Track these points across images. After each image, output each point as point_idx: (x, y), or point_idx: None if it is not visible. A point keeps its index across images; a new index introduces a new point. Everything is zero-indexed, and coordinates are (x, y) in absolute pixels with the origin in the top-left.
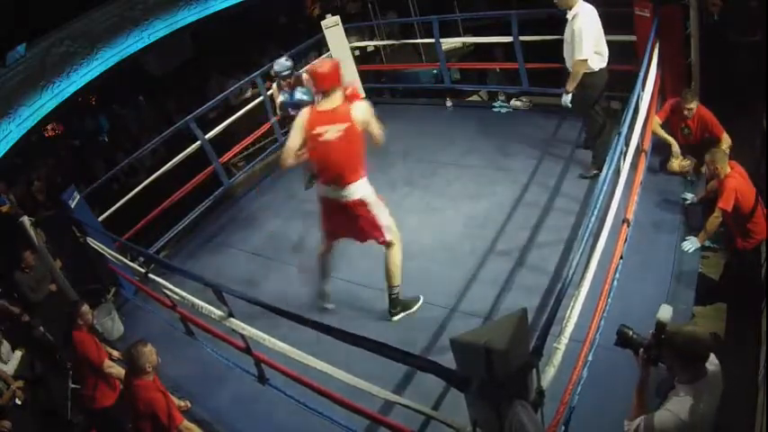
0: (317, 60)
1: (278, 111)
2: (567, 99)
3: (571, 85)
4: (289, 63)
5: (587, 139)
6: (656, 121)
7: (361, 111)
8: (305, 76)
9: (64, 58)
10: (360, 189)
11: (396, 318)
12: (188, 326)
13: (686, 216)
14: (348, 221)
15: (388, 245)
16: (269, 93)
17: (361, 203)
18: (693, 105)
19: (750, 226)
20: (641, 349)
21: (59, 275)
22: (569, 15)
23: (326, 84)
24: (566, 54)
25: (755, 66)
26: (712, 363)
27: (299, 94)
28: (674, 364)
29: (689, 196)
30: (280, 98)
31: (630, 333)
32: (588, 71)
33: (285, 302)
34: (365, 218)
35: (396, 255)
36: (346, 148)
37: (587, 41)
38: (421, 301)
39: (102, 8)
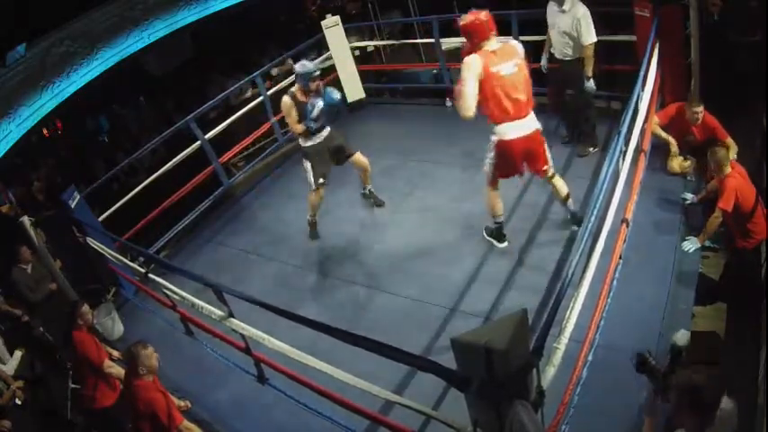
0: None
1: (302, 125)
2: (592, 84)
3: (590, 69)
4: (312, 65)
5: (579, 124)
6: (655, 120)
7: (521, 47)
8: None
9: (64, 58)
10: (535, 120)
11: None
12: (188, 326)
13: (686, 216)
14: (530, 154)
15: (552, 176)
16: (269, 92)
17: (539, 132)
18: (700, 109)
19: (750, 226)
20: (656, 378)
21: (59, 275)
22: (566, 6)
23: (490, 28)
24: (560, 45)
25: (755, 66)
26: (725, 404)
27: (335, 94)
28: (680, 411)
29: (689, 196)
30: (317, 104)
31: (649, 358)
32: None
33: (285, 302)
34: (542, 144)
35: (559, 179)
36: (525, 79)
37: (592, 25)
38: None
39: (102, 8)
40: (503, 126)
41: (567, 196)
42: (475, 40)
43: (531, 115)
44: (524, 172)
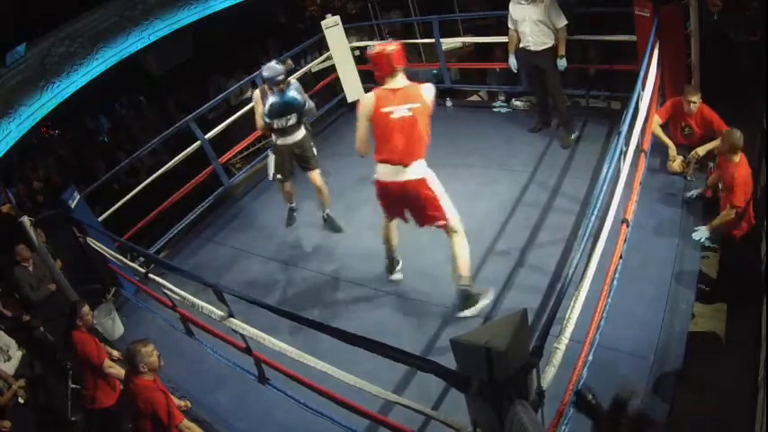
0: (375, 44)
1: (262, 120)
2: (563, 63)
3: (563, 48)
4: (281, 67)
5: (548, 112)
6: (657, 120)
7: (430, 92)
8: (294, 82)
9: (64, 58)
10: (423, 167)
11: (468, 312)
12: (188, 326)
13: (687, 210)
14: (410, 203)
15: (450, 230)
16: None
17: (424, 182)
18: (696, 98)
19: (745, 215)
20: (595, 418)
21: (59, 275)
22: None
23: (400, 61)
24: (535, 35)
25: (755, 66)
26: None
27: (294, 92)
28: None
29: (691, 192)
30: (269, 100)
31: (590, 397)
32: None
33: (285, 302)
34: (429, 198)
35: (461, 241)
36: (416, 126)
37: (559, 8)
38: (491, 294)
39: (102, 8)
40: (381, 167)
41: (460, 267)
42: (377, 74)
43: (416, 165)
44: (408, 220)
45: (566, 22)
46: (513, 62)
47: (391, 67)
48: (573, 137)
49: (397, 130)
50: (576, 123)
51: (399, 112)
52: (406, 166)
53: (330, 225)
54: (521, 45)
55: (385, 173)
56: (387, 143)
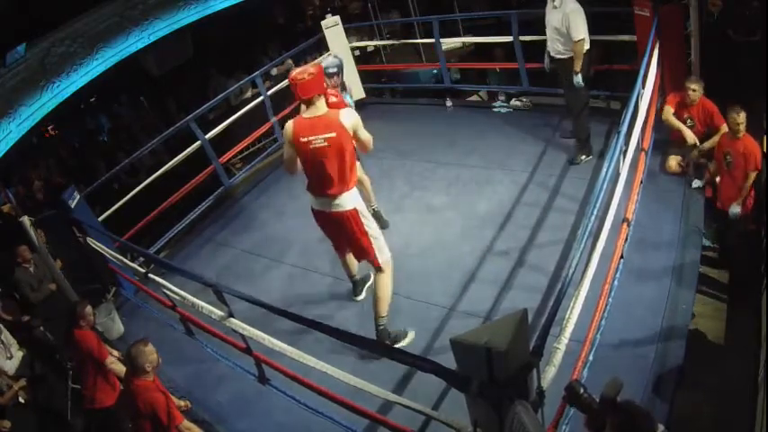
0: (296, 69)
1: None
2: (579, 79)
3: (578, 65)
4: (338, 60)
5: (573, 126)
6: (668, 110)
7: (349, 117)
8: (350, 100)
9: (64, 58)
10: (350, 200)
11: None
12: (188, 326)
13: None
14: (341, 235)
15: (378, 269)
16: (269, 92)
17: (352, 216)
18: (696, 86)
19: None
20: (587, 412)
21: (59, 275)
22: (557, 3)
23: (310, 91)
24: (552, 41)
25: (755, 66)
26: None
27: (349, 99)
28: None
29: (696, 182)
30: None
31: (581, 391)
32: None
33: (285, 302)
34: (356, 232)
35: (385, 281)
36: (336, 156)
37: (582, 22)
38: (412, 335)
39: (102, 8)
40: (313, 196)
41: (380, 306)
42: (296, 98)
43: (343, 196)
44: (345, 252)
45: (583, 36)
46: (546, 63)
47: (308, 92)
48: (583, 158)
49: (316, 161)
50: (591, 147)
51: (316, 142)
52: (331, 197)
53: (377, 219)
54: (547, 49)
55: (315, 201)
56: (309, 172)
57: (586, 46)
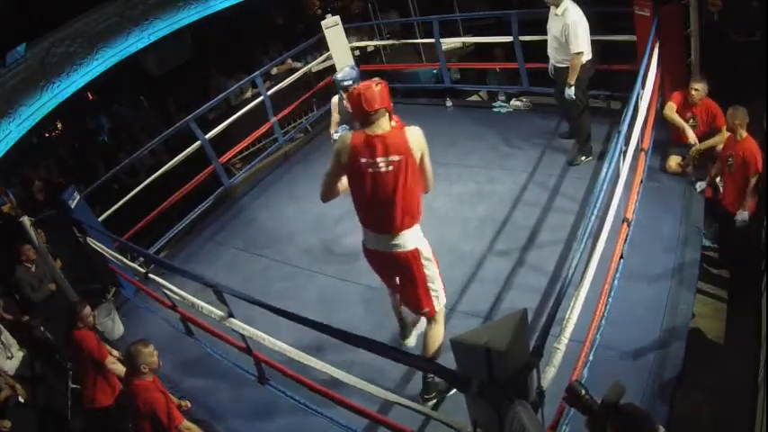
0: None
1: (332, 141)
2: (570, 92)
3: (573, 78)
4: (354, 72)
5: (572, 130)
6: (671, 106)
7: (417, 138)
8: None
9: (64, 58)
10: (412, 238)
11: (429, 404)
12: (188, 326)
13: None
14: (397, 277)
15: (431, 318)
16: (269, 92)
17: (412, 257)
18: (699, 86)
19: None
20: (587, 413)
21: (59, 275)
22: (558, 11)
23: (375, 104)
24: (552, 49)
25: (755, 66)
26: None
27: None
28: None
29: (699, 184)
30: (337, 130)
31: (582, 393)
32: (563, 64)
33: (285, 302)
34: (415, 278)
35: (439, 333)
36: (400, 184)
37: (583, 34)
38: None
39: (102, 8)
40: (365, 230)
41: (433, 357)
42: (354, 116)
43: (404, 233)
44: (399, 291)
45: (581, 50)
46: (550, 67)
47: (369, 108)
48: (583, 159)
49: (375, 190)
50: (591, 148)
51: (377, 166)
52: (390, 234)
53: None
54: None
55: (368, 238)
56: (365, 204)
57: (586, 58)
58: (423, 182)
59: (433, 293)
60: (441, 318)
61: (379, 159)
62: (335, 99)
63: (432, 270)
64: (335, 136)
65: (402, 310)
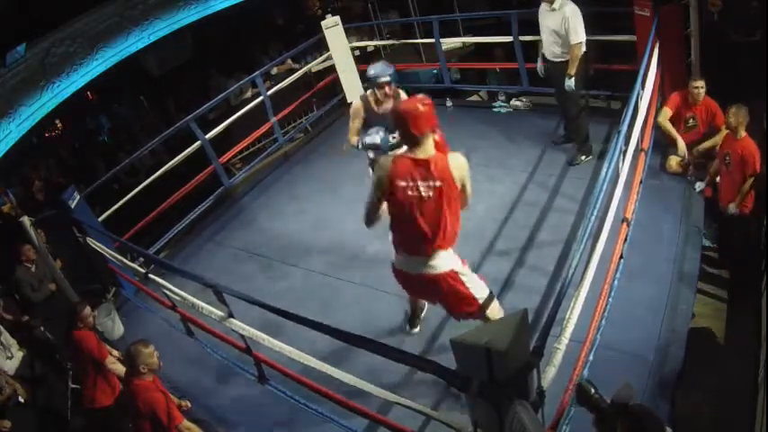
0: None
1: (354, 139)
2: (571, 83)
3: (573, 68)
4: (391, 69)
5: (568, 128)
6: (666, 113)
7: (460, 166)
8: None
9: (64, 58)
10: (447, 259)
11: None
12: (188, 326)
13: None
14: (434, 295)
15: (485, 317)
16: (269, 92)
17: (450, 278)
18: (700, 84)
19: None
20: (596, 412)
21: (59, 275)
22: (556, 5)
23: (422, 127)
24: (549, 44)
25: (755, 66)
26: None
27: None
28: None
29: (699, 184)
30: (375, 137)
31: (592, 392)
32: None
33: (285, 302)
34: (459, 293)
35: (496, 312)
36: (438, 210)
37: (581, 25)
38: None
39: (102, 8)
40: (399, 254)
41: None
42: (400, 137)
43: (439, 255)
44: (436, 302)
45: (581, 39)
46: (539, 68)
47: (417, 132)
48: (583, 159)
49: (415, 213)
50: (590, 147)
51: (416, 190)
52: (424, 256)
53: None
54: (542, 51)
55: (401, 260)
56: (402, 226)
57: (583, 48)
58: (461, 203)
59: (481, 303)
60: (492, 304)
61: (420, 184)
62: (357, 103)
63: (472, 281)
64: (365, 141)
65: (420, 309)
